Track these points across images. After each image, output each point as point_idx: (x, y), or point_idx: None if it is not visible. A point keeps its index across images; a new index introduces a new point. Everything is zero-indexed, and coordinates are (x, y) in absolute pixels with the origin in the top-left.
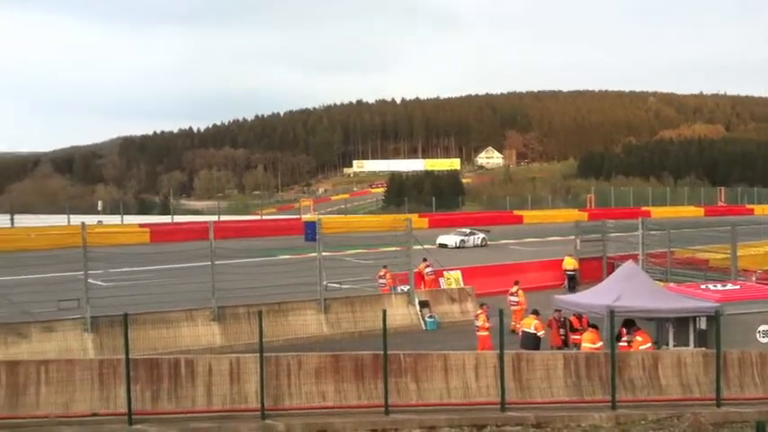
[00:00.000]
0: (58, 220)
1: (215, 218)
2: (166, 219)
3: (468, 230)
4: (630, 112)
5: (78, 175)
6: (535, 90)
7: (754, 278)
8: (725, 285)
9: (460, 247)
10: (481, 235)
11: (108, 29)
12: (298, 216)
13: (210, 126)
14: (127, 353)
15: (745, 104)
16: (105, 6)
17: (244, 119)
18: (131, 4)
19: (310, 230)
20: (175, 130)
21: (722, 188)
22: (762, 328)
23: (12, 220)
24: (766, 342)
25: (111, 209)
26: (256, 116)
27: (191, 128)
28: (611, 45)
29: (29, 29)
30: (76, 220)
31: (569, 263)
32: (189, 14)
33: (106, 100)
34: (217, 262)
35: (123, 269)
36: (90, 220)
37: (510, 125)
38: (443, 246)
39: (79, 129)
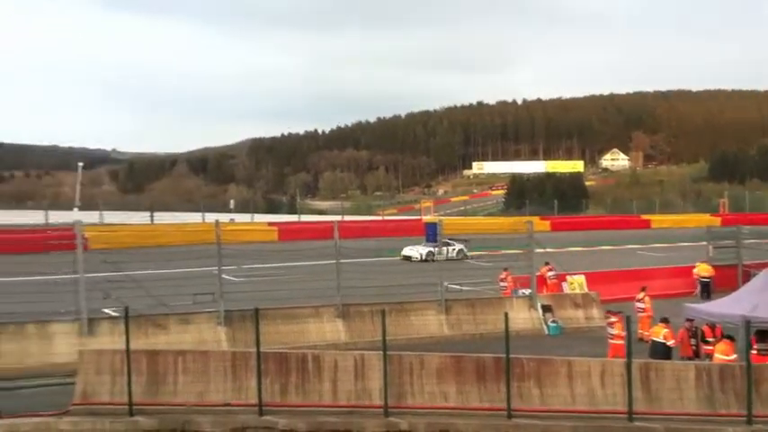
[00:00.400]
0: (194, 217)
1: (339, 218)
2: (293, 218)
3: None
4: (766, 112)
5: (211, 174)
6: (662, 89)
7: None
8: None
9: (427, 260)
10: (458, 246)
11: (236, 33)
12: (418, 217)
13: (334, 128)
14: (258, 346)
15: None
16: (234, 11)
17: (366, 121)
18: (259, 8)
19: (431, 231)
20: (301, 132)
21: None
22: None
23: (151, 217)
24: None
25: (242, 208)
26: (378, 118)
27: (315, 130)
28: (745, 42)
29: (167, 37)
30: (210, 217)
31: (704, 269)
32: (312, 18)
33: (237, 103)
34: (341, 261)
35: (254, 265)
36: (223, 218)
37: (636, 126)
38: (407, 258)
39: (212, 131)
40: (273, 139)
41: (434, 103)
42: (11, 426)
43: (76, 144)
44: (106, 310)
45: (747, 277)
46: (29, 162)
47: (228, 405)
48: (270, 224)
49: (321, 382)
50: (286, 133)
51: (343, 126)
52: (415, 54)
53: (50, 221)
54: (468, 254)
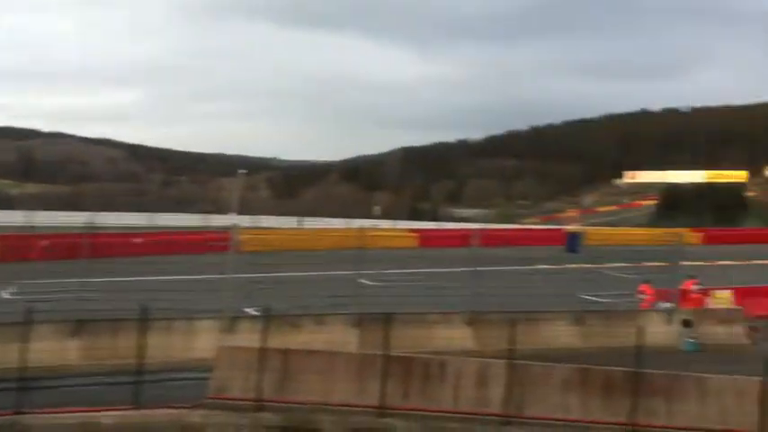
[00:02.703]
0: (340, 223)
1: (479, 226)
2: (435, 225)
3: None
4: None
5: (362, 182)
6: None
7: None
8: None
9: None
10: None
11: (392, 46)
12: (560, 226)
13: (486, 137)
14: (385, 350)
15: None
16: (390, 25)
17: (519, 129)
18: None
19: (571, 241)
20: (452, 141)
21: None
22: None
23: (301, 222)
24: None
25: (387, 215)
26: (530, 126)
27: (466, 139)
28: None
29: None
30: (356, 224)
31: None
32: (470, 30)
33: (396, 111)
34: (476, 268)
35: (392, 271)
36: (367, 224)
37: None
38: None
39: (365, 140)
40: (424, 147)
41: (595, 111)
42: (145, 416)
43: (242, 152)
44: (248, 310)
45: None
46: (197, 169)
47: (349, 406)
48: (411, 230)
49: (443, 387)
50: (436, 141)
51: (494, 135)
52: (575, 60)
53: (211, 224)
54: None
